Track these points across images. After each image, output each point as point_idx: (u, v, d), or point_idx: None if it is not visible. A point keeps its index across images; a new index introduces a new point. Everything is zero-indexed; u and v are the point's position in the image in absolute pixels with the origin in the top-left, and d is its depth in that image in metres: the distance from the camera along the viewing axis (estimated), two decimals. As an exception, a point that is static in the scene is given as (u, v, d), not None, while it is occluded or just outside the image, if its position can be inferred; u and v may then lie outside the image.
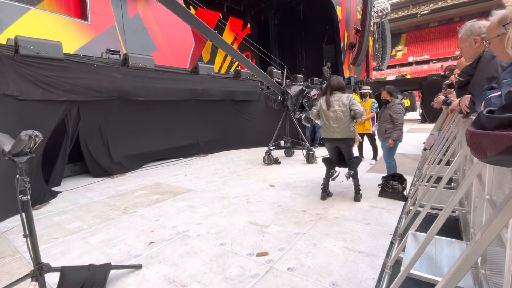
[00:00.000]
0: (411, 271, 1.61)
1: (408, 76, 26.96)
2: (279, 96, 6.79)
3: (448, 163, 2.78)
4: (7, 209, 3.61)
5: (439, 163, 2.90)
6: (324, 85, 8.26)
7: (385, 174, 4.17)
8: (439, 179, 2.34)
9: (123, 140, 6.05)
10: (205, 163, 6.75)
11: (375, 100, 6.01)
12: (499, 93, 1.04)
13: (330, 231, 2.88)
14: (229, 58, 15.47)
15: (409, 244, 2.08)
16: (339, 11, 16.09)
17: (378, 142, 5.10)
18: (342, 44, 16.52)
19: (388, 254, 2.37)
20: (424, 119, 14.52)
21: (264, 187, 4.55)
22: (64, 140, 5.02)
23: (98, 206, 3.97)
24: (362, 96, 6.04)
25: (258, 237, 2.80)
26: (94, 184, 5.17)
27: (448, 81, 4.96)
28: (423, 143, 5.50)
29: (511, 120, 0.56)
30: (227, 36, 16.13)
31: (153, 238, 2.89)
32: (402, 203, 3.57)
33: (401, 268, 1.75)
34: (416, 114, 19.50)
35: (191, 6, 9.71)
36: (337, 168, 4.01)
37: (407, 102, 20.72)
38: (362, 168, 5.14)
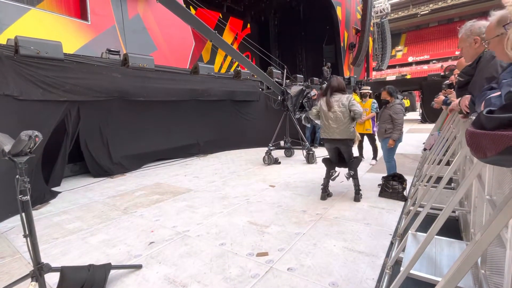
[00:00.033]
0: (411, 271, 1.61)
1: (408, 76, 26.96)
2: (279, 96, 6.79)
3: (448, 163, 2.78)
4: (7, 209, 3.61)
5: (439, 163, 2.90)
6: (324, 85, 8.26)
7: (385, 174, 4.17)
8: (439, 179, 2.34)
9: (123, 140, 6.05)
10: (205, 163, 6.75)
11: (375, 100, 6.01)
12: (499, 93, 1.04)
13: (330, 231, 2.88)
14: (229, 58, 15.48)
15: (409, 244, 2.08)
16: (339, 11, 16.10)
17: (378, 142, 5.10)
18: (342, 44, 16.53)
19: (388, 254, 2.37)
20: (424, 119, 14.51)
21: (264, 187, 4.55)
22: (64, 140, 5.02)
23: (98, 206, 3.97)
24: (362, 96, 6.04)
25: (258, 237, 2.80)
26: (94, 184, 5.17)
27: (448, 81, 4.97)
28: (423, 143, 5.50)
29: (511, 120, 0.56)
30: (227, 36, 16.14)
31: (153, 238, 2.89)
32: (402, 203, 3.57)
33: (401, 268, 1.75)
34: (416, 114, 19.49)
35: (191, 6, 9.71)
36: (337, 168, 4.01)
37: (407, 102, 20.72)
38: (362, 168, 5.14)
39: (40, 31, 7.07)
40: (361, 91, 6.26)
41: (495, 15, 1.27)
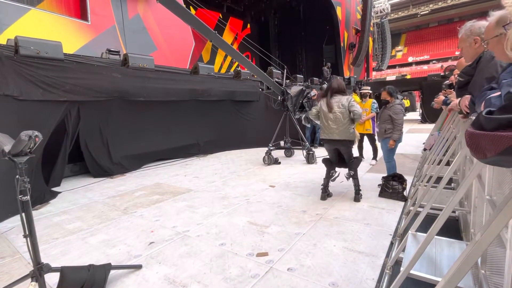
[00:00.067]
0: (411, 272, 1.61)
1: (408, 77, 26.96)
2: (279, 96, 6.79)
3: (448, 164, 2.78)
4: (7, 209, 3.61)
5: (439, 164, 2.90)
6: (324, 85, 8.27)
7: (385, 175, 4.17)
8: (439, 179, 2.34)
9: (123, 140, 6.05)
10: (205, 163, 6.75)
11: (375, 101, 6.01)
12: (499, 93, 1.04)
13: (330, 231, 2.88)
14: (229, 58, 15.48)
15: (409, 244, 2.08)
16: (339, 11, 16.10)
17: (378, 143, 5.10)
18: (342, 44, 16.53)
19: (388, 255, 2.37)
20: (424, 120, 14.52)
21: (264, 187, 4.55)
22: (64, 140, 5.03)
23: (98, 206, 3.97)
24: (362, 96, 6.04)
25: (258, 238, 2.80)
26: (94, 184, 5.17)
27: (448, 81, 4.96)
28: (423, 144, 5.50)
29: (510, 121, 0.56)
30: (227, 37, 16.14)
31: (153, 238, 2.89)
32: (402, 203, 3.57)
33: (401, 268, 1.75)
34: (416, 115, 19.50)
35: (191, 7, 9.72)
36: (337, 169, 4.01)
37: (407, 103, 20.71)
38: (362, 169, 5.14)
39: (40, 31, 7.07)
40: (361, 91, 6.26)
41: (494, 15, 1.27)
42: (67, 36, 7.79)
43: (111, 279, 2.17)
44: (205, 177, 5.41)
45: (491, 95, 1.06)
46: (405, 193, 3.78)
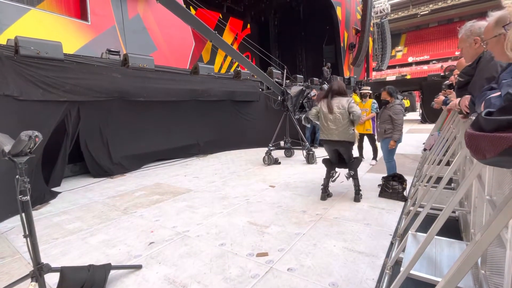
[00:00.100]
0: (411, 272, 1.61)
1: (408, 77, 26.99)
2: (279, 97, 6.79)
3: (448, 164, 2.78)
4: (7, 210, 3.61)
5: (439, 164, 2.90)
6: (324, 86, 8.27)
7: (385, 175, 4.17)
8: (439, 179, 2.34)
9: (123, 140, 6.05)
10: (205, 164, 6.75)
11: (375, 101, 6.01)
12: (499, 93, 1.05)
13: (330, 231, 2.88)
14: (229, 59, 15.48)
15: (409, 244, 2.08)
16: (339, 11, 16.10)
17: (378, 143, 5.10)
18: (342, 44, 16.53)
19: (388, 255, 2.37)
20: (424, 120, 14.52)
21: (264, 188, 4.55)
22: (64, 141, 5.03)
23: (98, 206, 3.98)
24: (362, 96, 6.04)
25: (258, 238, 2.80)
26: (94, 184, 5.17)
27: (448, 81, 4.97)
28: (423, 144, 5.50)
29: (509, 122, 0.56)
30: (227, 37, 16.13)
31: (153, 238, 2.89)
32: (402, 203, 3.57)
33: (401, 269, 1.75)
34: (416, 115, 19.50)
35: (191, 7, 9.71)
36: (337, 169, 4.01)
37: (407, 103, 20.71)
38: (362, 169, 5.14)
39: (40, 31, 7.07)
40: (361, 91, 6.25)
41: (493, 15, 1.27)
42: (67, 36, 7.78)
43: (111, 279, 2.17)
44: (205, 177, 5.41)
45: (491, 95, 1.07)
46: (405, 193, 3.78)
